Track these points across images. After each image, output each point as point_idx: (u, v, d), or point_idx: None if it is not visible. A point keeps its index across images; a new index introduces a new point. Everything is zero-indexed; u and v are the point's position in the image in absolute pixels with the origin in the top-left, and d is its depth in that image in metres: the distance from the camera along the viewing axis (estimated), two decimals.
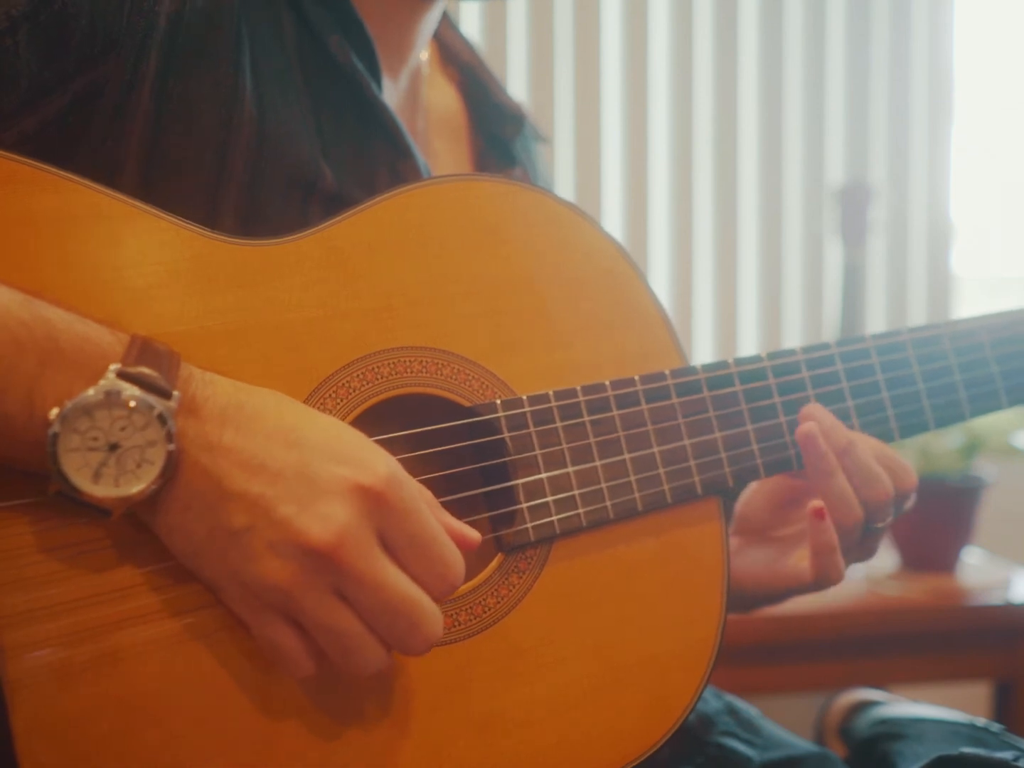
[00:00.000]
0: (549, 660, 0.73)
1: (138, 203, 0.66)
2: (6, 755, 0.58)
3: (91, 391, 0.58)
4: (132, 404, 0.58)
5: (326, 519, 0.60)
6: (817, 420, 0.82)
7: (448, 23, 1.02)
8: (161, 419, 0.58)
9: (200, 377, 0.62)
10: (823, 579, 0.84)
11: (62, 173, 0.64)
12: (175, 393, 0.59)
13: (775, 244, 2.33)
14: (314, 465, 0.61)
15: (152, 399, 0.58)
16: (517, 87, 2.18)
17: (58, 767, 0.59)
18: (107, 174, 0.72)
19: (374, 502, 0.61)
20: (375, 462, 0.62)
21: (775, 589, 0.88)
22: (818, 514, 0.82)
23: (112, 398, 0.58)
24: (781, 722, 1.06)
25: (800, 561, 0.86)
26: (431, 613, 0.62)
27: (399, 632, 0.62)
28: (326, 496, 0.60)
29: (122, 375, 0.58)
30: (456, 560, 0.64)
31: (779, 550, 0.89)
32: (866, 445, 0.84)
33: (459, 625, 0.70)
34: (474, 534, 0.66)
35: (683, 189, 2.28)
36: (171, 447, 0.59)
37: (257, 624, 0.62)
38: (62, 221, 0.64)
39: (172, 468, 0.59)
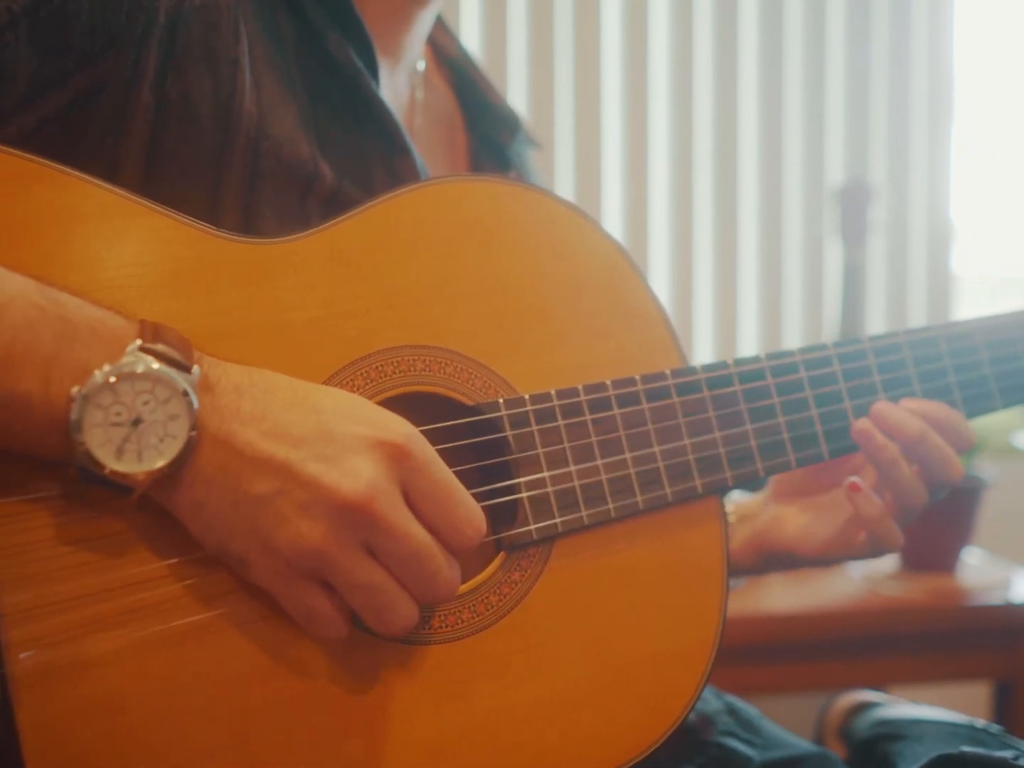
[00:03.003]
0: (550, 658, 0.73)
1: (143, 200, 0.67)
2: (12, 752, 0.58)
3: (113, 366, 0.58)
4: (155, 378, 0.59)
5: (355, 474, 0.61)
6: (884, 417, 0.85)
7: (442, 25, 1.02)
8: (183, 392, 0.59)
9: (210, 360, 0.63)
10: (879, 547, 0.88)
11: (67, 169, 0.65)
12: (195, 368, 0.60)
13: (775, 244, 2.33)
14: (335, 426, 0.62)
15: (174, 372, 0.59)
16: (517, 88, 2.19)
17: (65, 765, 0.59)
18: (108, 172, 0.72)
19: (396, 456, 0.63)
20: (392, 421, 0.64)
21: (829, 556, 0.92)
22: (853, 488, 0.86)
23: (135, 372, 0.58)
24: (781, 722, 1.06)
25: (855, 533, 0.90)
26: (451, 560, 0.64)
27: (425, 580, 0.63)
28: (351, 453, 0.62)
29: (144, 350, 0.59)
30: (476, 508, 0.65)
31: (825, 514, 0.92)
32: (938, 427, 0.87)
33: (462, 623, 0.71)
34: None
35: (683, 190, 2.28)
36: (193, 420, 0.59)
37: (289, 593, 0.63)
38: (67, 217, 0.64)
39: (194, 442, 0.60)
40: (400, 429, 0.64)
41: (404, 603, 0.64)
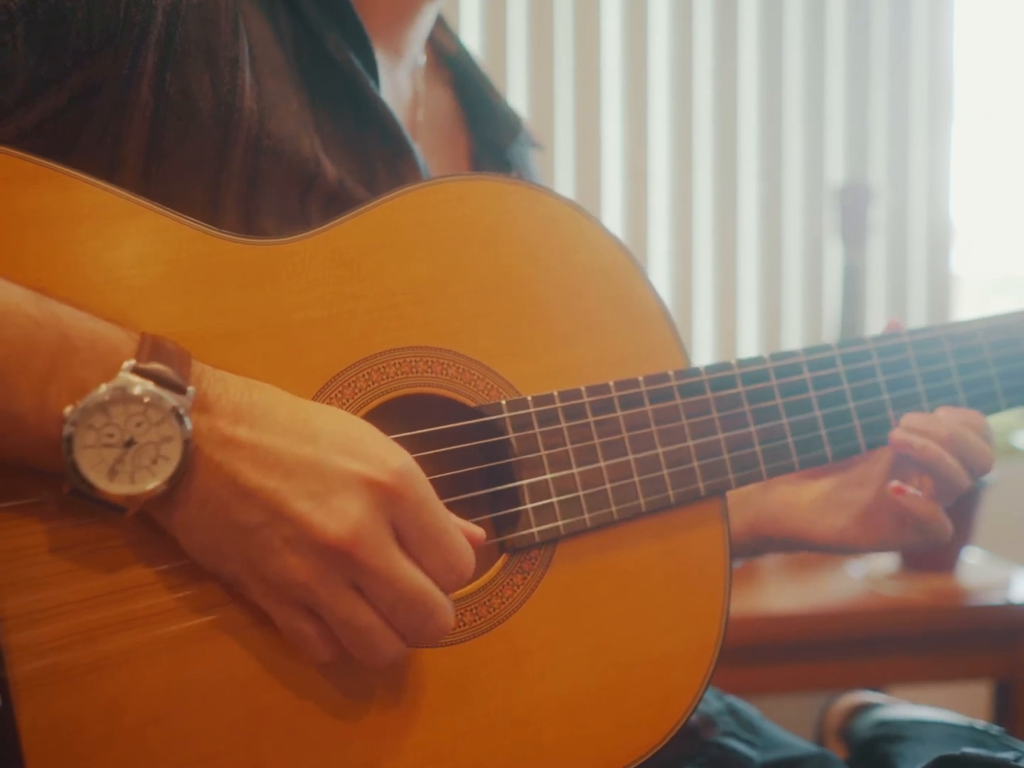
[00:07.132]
0: (553, 660, 0.73)
1: (142, 200, 0.66)
2: (13, 755, 0.58)
3: (106, 387, 0.57)
4: (147, 400, 0.58)
5: (341, 515, 0.60)
6: (911, 427, 0.86)
7: (442, 24, 1.01)
8: (176, 415, 0.58)
9: (211, 374, 0.62)
10: (929, 540, 0.89)
11: (65, 170, 0.64)
12: (189, 388, 0.60)
13: (775, 244, 2.33)
14: (328, 460, 0.61)
15: (167, 394, 0.58)
16: (517, 88, 2.18)
17: None
18: (107, 170, 0.71)
19: (387, 496, 0.62)
20: (388, 456, 0.63)
21: (850, 545, 0.92)
22: (897, 491, 0.87)
23: (128, 394, 0.58)
24: (781, 722, 1.06)
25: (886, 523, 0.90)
26: (443, 603, 0.64)
27: (414, 623, 0.63)
28: (341, 491, 0.61)
29: (137, 371, 0.58)
30: (466, 550, 0.65)
31: (843, 499, 0.92)
32: (963, 424, 0.88)
33: (464, 626, 0.70)
34: (479, 531, 0.67)
35: (683, 189, 2.28)
36: (187, 443, 0.59)
37: (279, 614, 0.63)
38: (65, 218, 0.63)
39: (187, 464, 0.59)
40: (395, 466, 0.62)
41: (388, 641, 0.63)
